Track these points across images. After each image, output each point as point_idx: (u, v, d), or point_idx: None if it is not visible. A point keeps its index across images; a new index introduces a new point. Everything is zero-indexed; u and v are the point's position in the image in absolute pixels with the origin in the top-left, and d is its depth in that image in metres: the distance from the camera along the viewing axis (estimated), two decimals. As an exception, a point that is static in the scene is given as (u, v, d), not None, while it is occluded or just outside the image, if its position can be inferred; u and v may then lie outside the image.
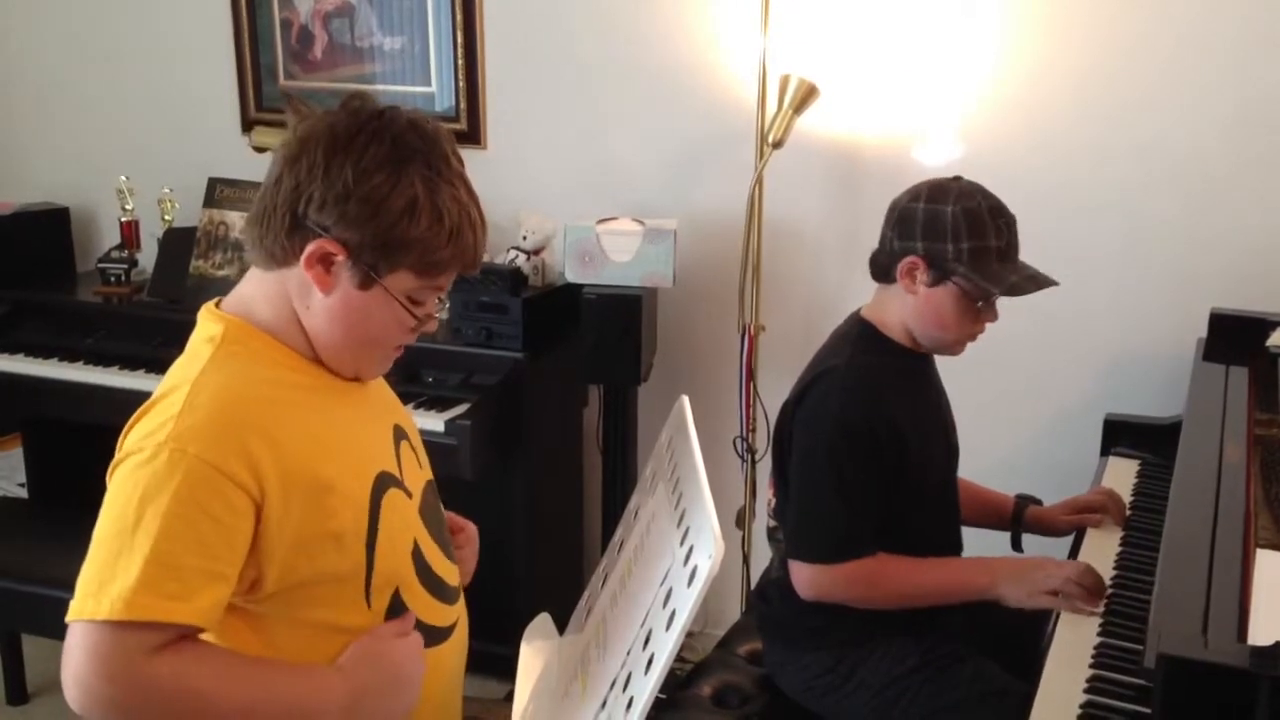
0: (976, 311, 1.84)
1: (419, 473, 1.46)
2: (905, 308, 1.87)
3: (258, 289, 1.33)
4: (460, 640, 1.48)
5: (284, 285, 1.30)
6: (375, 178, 1.23)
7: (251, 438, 1.21)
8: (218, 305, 1.35)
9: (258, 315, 1.32)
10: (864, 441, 1.80)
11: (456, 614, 1.46)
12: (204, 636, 1.22)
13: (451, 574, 1.46)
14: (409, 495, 1.40)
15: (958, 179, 1.85)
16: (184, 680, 1.17)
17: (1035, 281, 1.81)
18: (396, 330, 1.33)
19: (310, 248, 1.25)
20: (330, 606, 1.29)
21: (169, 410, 1.21)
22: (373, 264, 1.26)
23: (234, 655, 1.26)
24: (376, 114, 1.26)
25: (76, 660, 1.15)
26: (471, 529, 1.61)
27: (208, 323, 1.33)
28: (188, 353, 1.32)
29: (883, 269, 1.89)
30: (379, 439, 1.40)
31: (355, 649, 1.30)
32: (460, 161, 1.31)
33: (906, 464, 1.84)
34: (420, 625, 1.38)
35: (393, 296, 1.29)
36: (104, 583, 1.15)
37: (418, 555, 1.38)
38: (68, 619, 1.16)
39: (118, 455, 1.23)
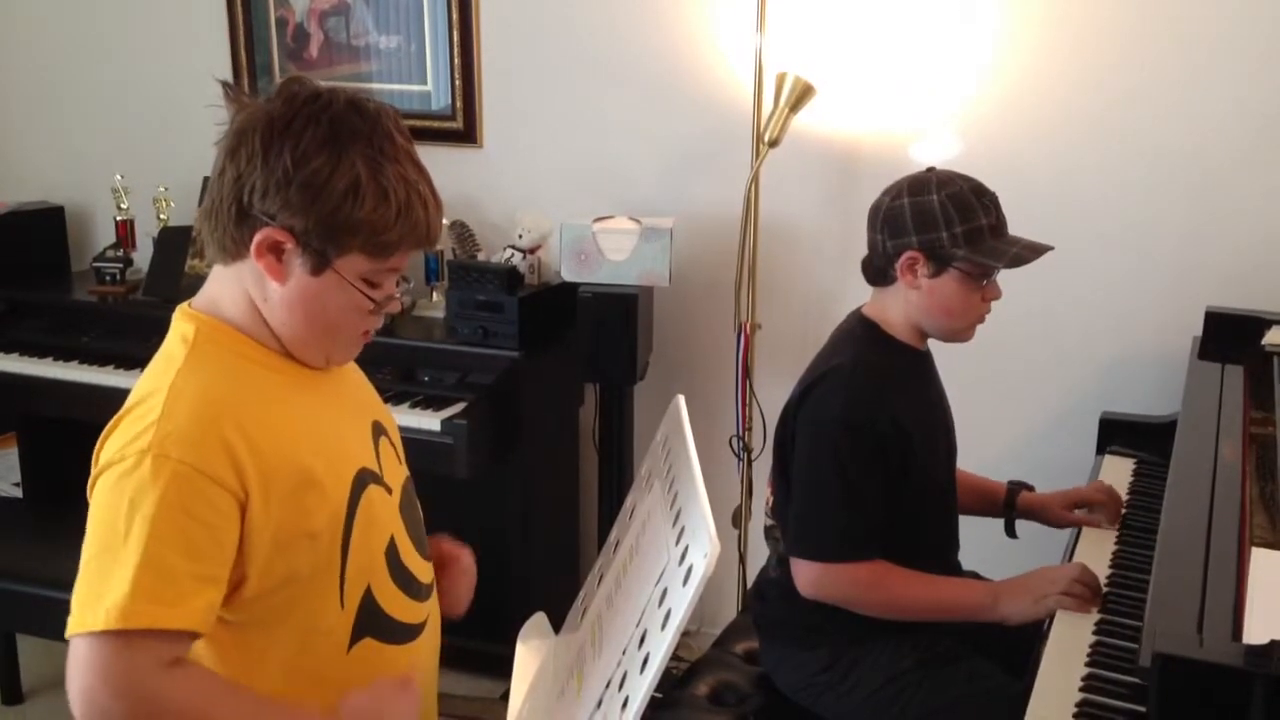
0: (981, 291, 1.85)
1: (398, 469, 1.46)
2: (909, 304, 1.87)
3: (221, 286, 1.31)
4: (433, 637, 1.47)
5: (242, 279, 1.29)
6: (315, 161, 1.20)
7: (233, 438, 1.20)
8: (190, 305, 1.34)
9: (225, 312, 1.30)
10: (868, 440, 1.80)
11: (428, 611, 1.45)
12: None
13: (425, 571, 1.45)
14: (389, 492, 1.39)
15: (931, 169, 1.87)
16: (190, 700, 1.17)
17: (1034, 249, 1.82)
18: (356, 315, 1.31)
19: (258, 237, 1.23)
20: (305, 607, 1.29)
21: (148, 416, 1.20)
22: (321, 249, 1.24)
23: (240, 688, 1.25)
24: (313, 97, 1.24)
25: (81, 675, 1.14)
26: (467, 559, 1.58)
27: (181, 323, 1.31)
28: (161, 355, 1.30)
29: (879, 271, 1.89)
30: (358, 435, 1.39)
31: (355, 701, 1.27)
32: (407, 139, 1.28)
33: (910, 462, 1.84)
34: (391, 622, 1.37)
35: (347, 281, 1.27)
36: (99, 595, 1.14)
37: (392, 552, 1.37)
38: (68, 634, 1.15)
39: (97, 466, 1.22)
